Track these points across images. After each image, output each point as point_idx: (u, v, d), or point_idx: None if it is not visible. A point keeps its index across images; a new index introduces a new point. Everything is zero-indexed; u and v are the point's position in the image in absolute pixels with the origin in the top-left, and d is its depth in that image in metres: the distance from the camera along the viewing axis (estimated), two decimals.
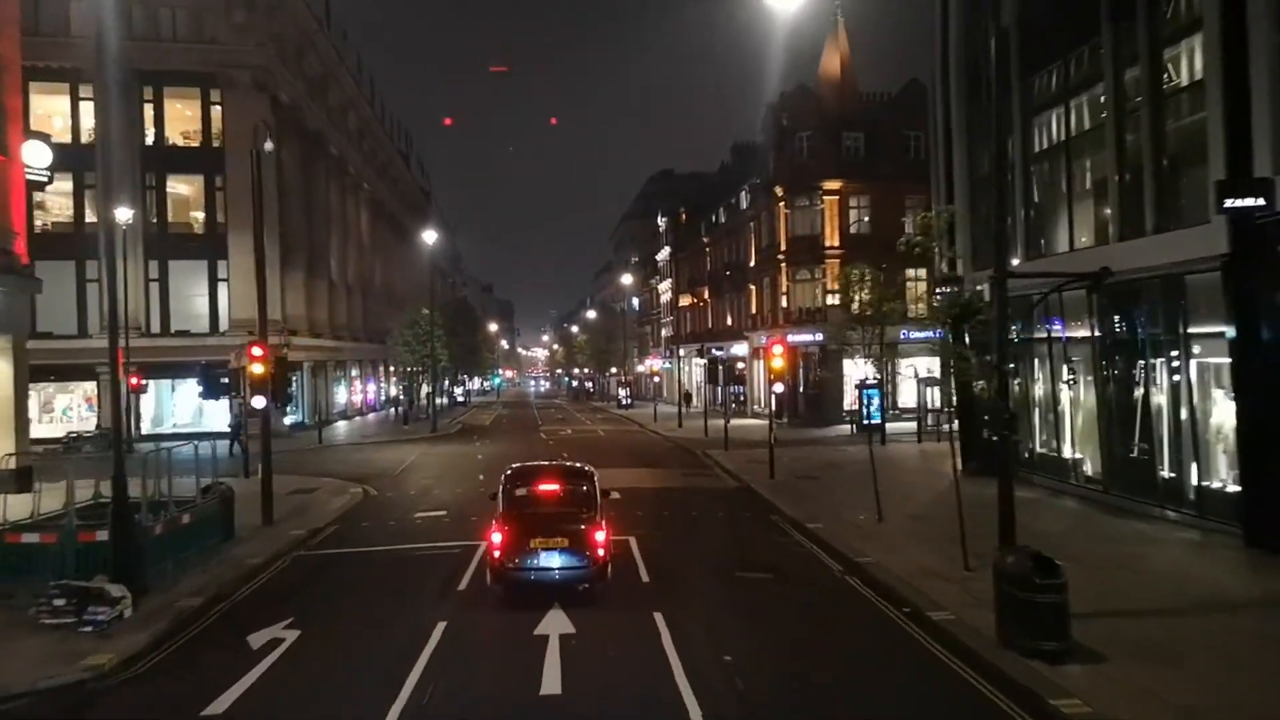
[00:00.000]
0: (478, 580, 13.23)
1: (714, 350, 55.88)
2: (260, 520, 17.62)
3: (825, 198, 43.31)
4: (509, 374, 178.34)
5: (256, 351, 18.09)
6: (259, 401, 18.29)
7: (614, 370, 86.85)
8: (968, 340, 15.91)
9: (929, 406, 38.59)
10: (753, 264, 50.99)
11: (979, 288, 20.67)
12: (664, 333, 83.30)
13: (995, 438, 15.83)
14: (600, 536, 12.09)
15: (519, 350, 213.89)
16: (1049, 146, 21.36)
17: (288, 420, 43.23)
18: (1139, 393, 17.49)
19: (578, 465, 14.49)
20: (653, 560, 14.64)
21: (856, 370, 43.56)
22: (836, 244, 43.41)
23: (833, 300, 42.84)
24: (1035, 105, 21.35)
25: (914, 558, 14.03)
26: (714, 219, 62.70)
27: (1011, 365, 16.64)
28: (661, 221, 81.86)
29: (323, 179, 53.65)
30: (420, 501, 21.93)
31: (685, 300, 71.15)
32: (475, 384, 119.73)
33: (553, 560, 11.88)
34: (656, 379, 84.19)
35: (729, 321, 57.55)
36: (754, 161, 57.91)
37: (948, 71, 25.92)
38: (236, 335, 41.10)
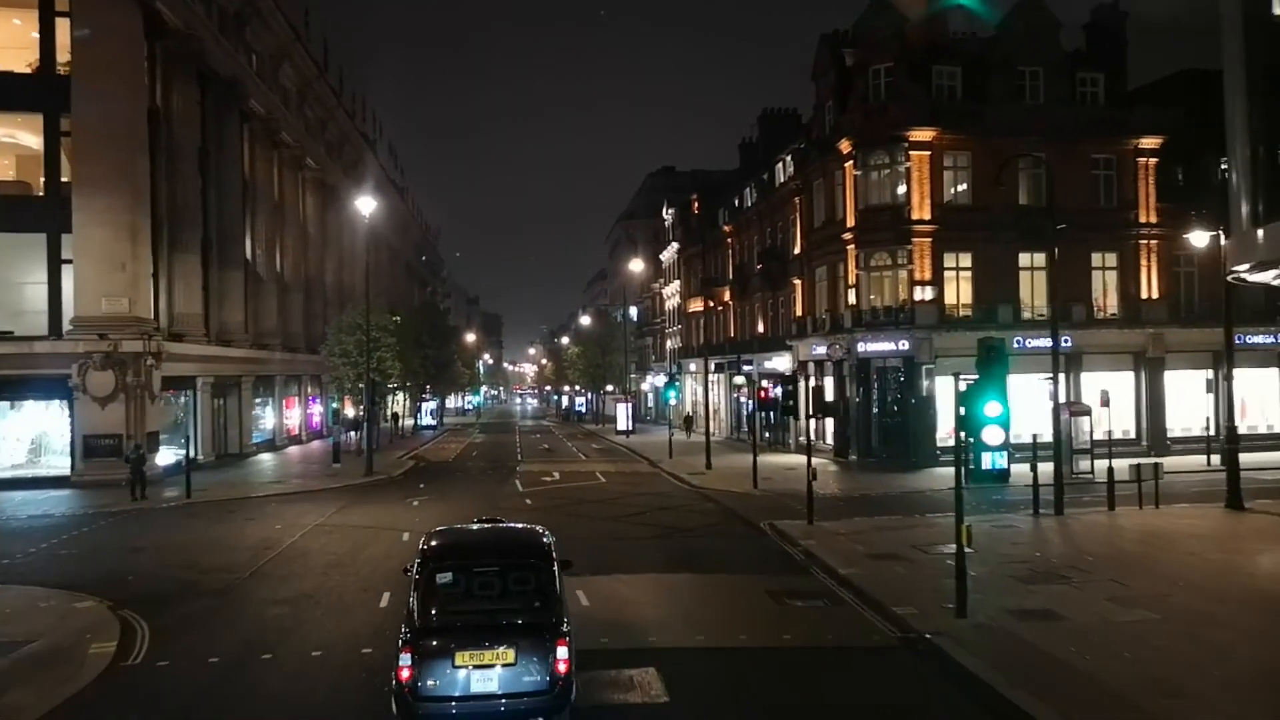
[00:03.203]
0: None
1: (741, 364, 43.83)
2: None
3: (912, 153, 31.43)
4: (493, 392, 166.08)
5: None
6: None
7: (610, 388, 74.71)
8: None
9: (1087, 439, 26.77)
10: (798, 251, 39.08)
11: None
12: (669, 344, 71.30)
13: None
14: (562, 643, 8.28)
15: (506, 366, 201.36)
16: None
17: (164, 460, 31.01)
18: None
19: (528, 529, 10.37)
20: None
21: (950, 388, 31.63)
22: (927, 217, 31.50)
23: (923, 294, 30.91)
24: None
25: None
26: (737, 203, 50.82)
27: None
28: (668, 214, 69.98)
29: (241, 143, 41.55)
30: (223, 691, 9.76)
31: (696, 304, 59.21)
32: (458, 402, 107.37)
33: (489, 684, 8.12)
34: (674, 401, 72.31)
35: (760, 328, 45.55)
36: (786, 133, 46.18)
37: None
38: (84, 337, 28.95)
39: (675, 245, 65.78)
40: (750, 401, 47.94)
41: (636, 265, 42.05)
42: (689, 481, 29.28)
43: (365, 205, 33.76)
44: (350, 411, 55.57)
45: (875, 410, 32.63)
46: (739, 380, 37.75)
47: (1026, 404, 30.13)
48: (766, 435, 44.42)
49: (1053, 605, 12.50)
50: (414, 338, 55.55)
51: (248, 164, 43.23)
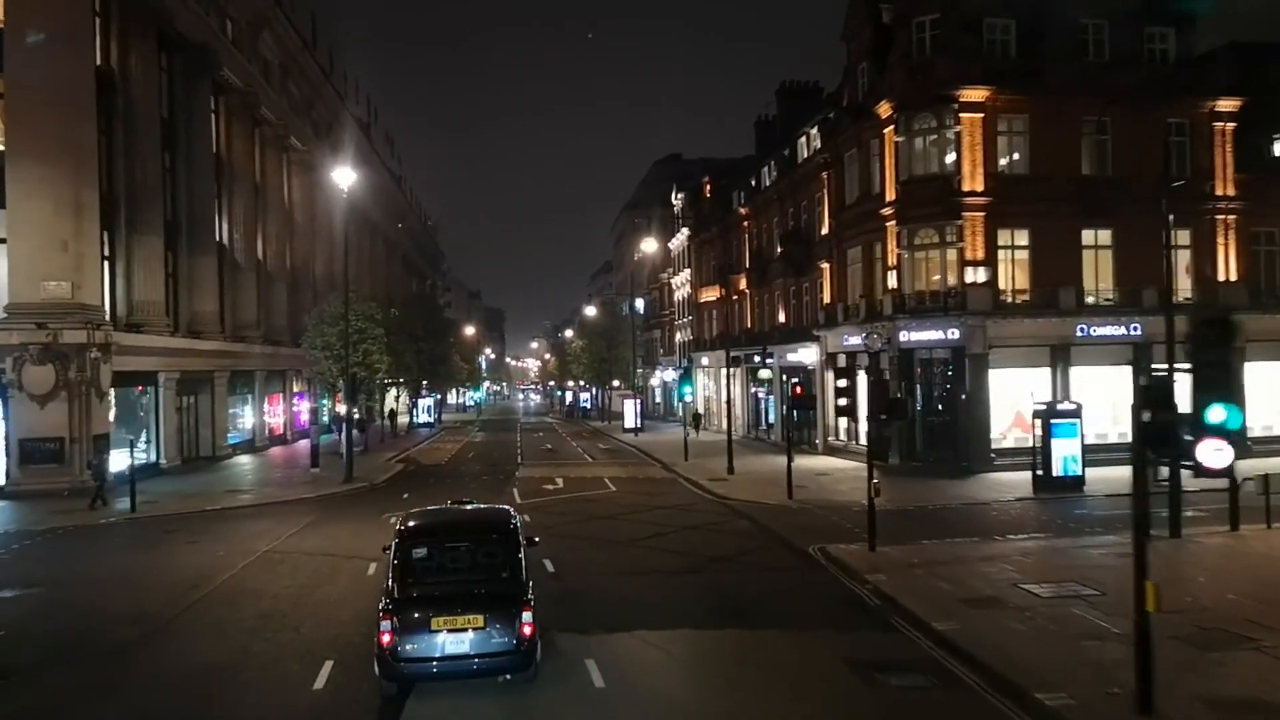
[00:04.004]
0: None
1: (758, 358, 40.07)
2: None
3: (963, 116, 27.70)
4: (495, 388, 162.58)
5: None
6: None
7: (617, 383, 71.05)
8: None
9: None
10: (825, 232, 35.35)
11: None
12: (678, 338, 67.61)
13: None
14: (527, 609, 9.30)
15: (509, 361, 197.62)
16: None
17: (119, 465, 27.38)
18: None
19: (494, 509, 11.48)
20: None
21: (1013, 383, 27.99)
22: (979, 188, 27.76)
23: (975, 276, 27.24)
24: None
25: None
26: (754, 184, 47.07)
27: None
28: (677, 199, 66.21)
29: (214, 116, 37.99)
30: None
31: (709, 294, 55.48)
32: (459, 399, 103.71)
33: (461, 645, 9.10)
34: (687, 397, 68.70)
35: (781, 317, 41.83)
36: (808, 108, 42.42)
37: None
38: (20, 326, 25.38)
39: (685, 232, 62.01)
40: (770, 398, 44.39)
41: (649, 245, 37.96)
42: (711, 490, 25.61)
43: (343, 176, 30.00)
44: (341, 409, 52.17)
45: (919, 407, 28.90)
46: (765, 374, 33.99)
47: (1097, 400, 26.52)
48: (772, 433, 40.70)
49: (1263, 690, 8.82)
50: (407, 330, 51.95)
51: (223, 141, 39.63)
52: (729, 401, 34.83)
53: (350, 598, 13.00)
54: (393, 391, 61.00)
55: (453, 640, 9.05)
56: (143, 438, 30.65)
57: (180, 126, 35.25)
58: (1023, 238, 28.44)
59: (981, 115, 27.70)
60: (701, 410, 56.93)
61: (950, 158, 27.95)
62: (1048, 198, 27.75)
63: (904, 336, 28.36)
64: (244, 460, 36.42)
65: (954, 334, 27.55)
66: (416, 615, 9.07)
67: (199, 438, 35.70)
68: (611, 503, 23.47)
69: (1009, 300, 28.03)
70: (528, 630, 9.22)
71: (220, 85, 38.05)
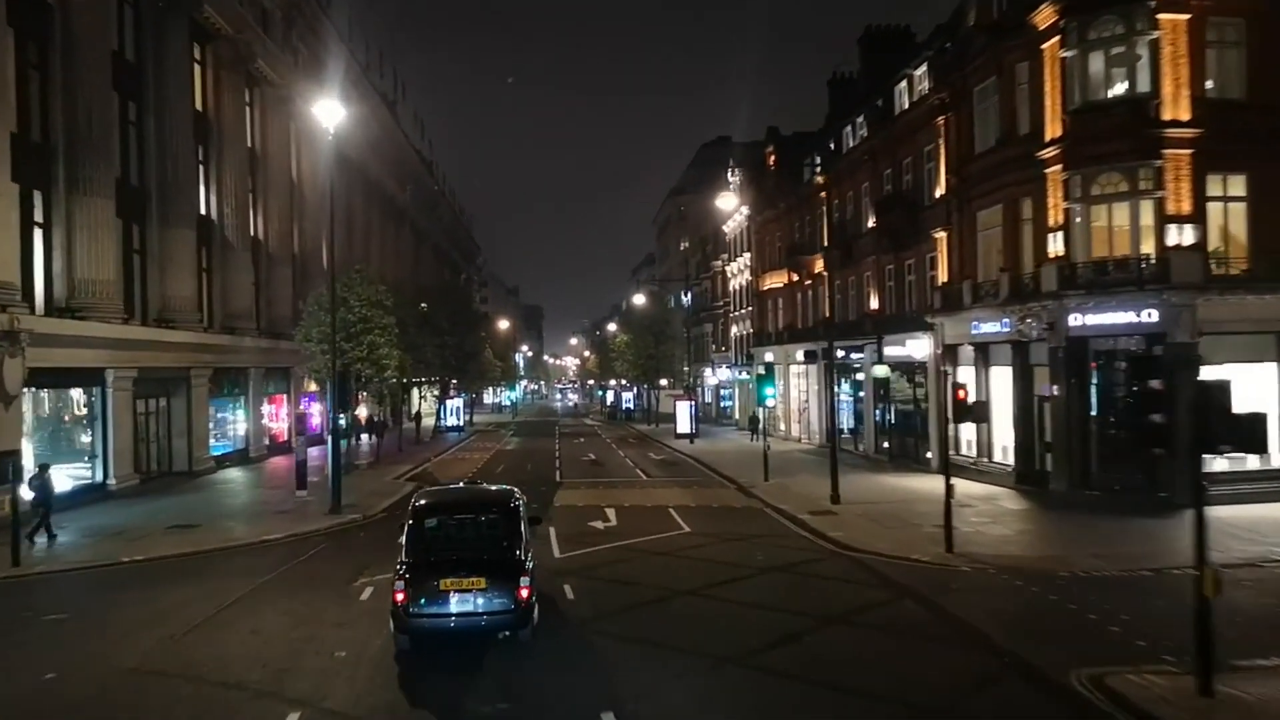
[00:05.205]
0: None
1: (841, 352, 32.87)
2: None
3: (1161, 17, 20.27)
4: (532, 387, 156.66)
5: None
6: None
7: (664, 382, 64.09)
8: None
9: None
10: (942, 192, 28.06)
11: None
12: (734, 330, 60.50)
13: None
14: (524, 573, 10.43)
15: (546, 359, 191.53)
16: None
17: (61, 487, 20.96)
18: None
19: (500, 490, 12.58)
20: None
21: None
22: (1185, 116, 20.31)
23: (1179, 236, 19.84)
24: None
25: None
26: (834, 146, 39.81)
27: None
28: (733, 177, 59.05)
29: (194, 64, 31.74)
30: None
31: (774, 280, 48.27)
32: (494, 398, 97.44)
33: (466, 604, 10.18)
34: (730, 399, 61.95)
35: (874, 303, 34.54)
36: (897, 59, 35.12)
37: None
38: None
39: (744, 211, 54.77)
40: (851, 400, 37.17)
41: (726, 201, 29.10)
42: (823, 532, 18.48)
43: (328, 113, 22.90)
44: (363, 411, 45.88)
45: (1093, 414, 21.51)
46: (881, 371, 26.94)
47: None
48: (860, 443, 33.39)
49: None
50: (431, 323, 45.52)
51: (211, 97, 33.39)
52: (832, 406, 27.60)
53: None
54: (415, 392, 54.76)
55: (457, 599, 10.10)
56: (89, 451, 24.46)
57: (150, 73, 28.99)
58: (1237, 186, 20.95)
59: (1188, 17, 20.26)
60: (756, 413, 49.83)
61: (1145, 79, 20.54)
62: (1272, 133, 20.33)
63: (1074, 321, 20.99)
64: (229, 476, 30.08)
65: (1151, 315, 20.14)
66: (426, 577, 10.12)
67: (171, 449, 29.41)
68: (690, 557, 16.40)
69: (1222, 271, 20.57)
70: (524, 593, 10.24)
71: (204, 30, 31.76)
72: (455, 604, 10.03)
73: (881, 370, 26.11)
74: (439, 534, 10.89)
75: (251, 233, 36.51)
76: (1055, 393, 21.73)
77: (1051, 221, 21.76)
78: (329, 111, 22.53)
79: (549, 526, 19.09)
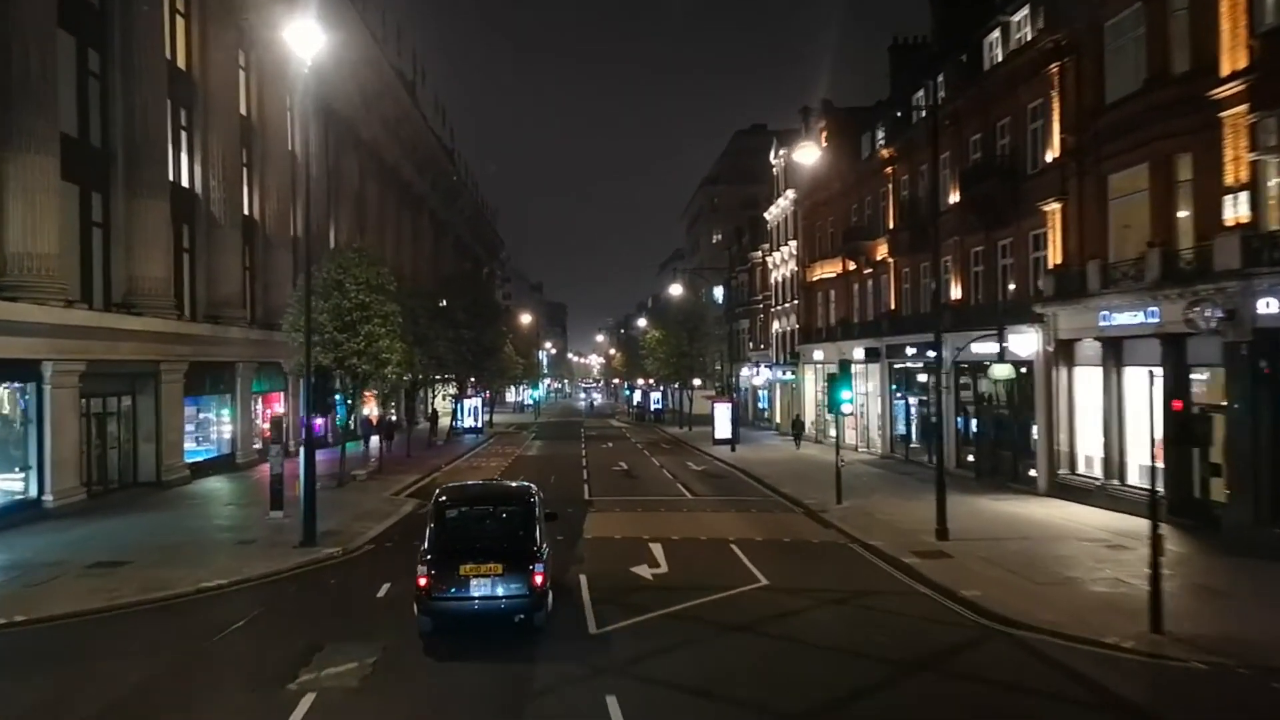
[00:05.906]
0: None
1: (911, 349, 27.98)
2: None
3: None
4: (556, 385, 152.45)
5: None
6: None
7: (698, 382, 59.28)
8: None
9: None
10: (1056, 155, 23.11)
11: None
12: (775, 326, 55.63)
13: None
14: (539, 561, 11.06)
15: (571, 357, 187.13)
16: None
17: None
18: None
19: (518, 486, 13.53)
20: None
21: None
22: None
23: None
24: None
25: None
26: (901, 114, 34.89)
27: None
28: (777, 158, 54.18)
29: (179, 17, 27.54)
30: None
31: (825, 270, 43.42)
32: (517, 396, 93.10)
33: (484, 589, 10.84)
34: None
35: (956, 293, 29.65)
36: (973, 17, 30.21)
37: None
38: None
39: (790, 195, 49.95)
40: (951, 405, 32.12)
41: (805, 154, 23.05)
42: (951, 590, 13.63)
43: (300, 40, 18.17)
44: (372, 411, 41.58)
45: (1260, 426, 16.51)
46: (1003, 372, 22.01)
47: None
48: (929, 456, 28.41)
49: None
50: (445, 315, 41.16)
51: (194, 53, 29.20)
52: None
53: None
54: (429, 390, 50.43)
55: (476, 584, 10.78)
56: (21, 461, 20.17)
57: (115, 19, 24.76)
58: None
59: None
60: (809, 418, 44.98)
61: None
62: None
63: (1265, 307, 16.01)
64: (206, 489, 25.76)
65: None
66: (448, 562, 10.87)
67: (136, 456, 25.14)
68: (784, 638, 11.42)
69: None
70: (539, 580, 10.92)
71: None
72: (474, 588, 10.70)
73: (1004, 370, 21.20)
74: (460, 524, 11.78)
75: (245, 211, 32.32)
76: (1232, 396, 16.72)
77: (1231, 179, 16.80)
78: (302, 39, 17.90)
79: (578, 574, 14.40)
